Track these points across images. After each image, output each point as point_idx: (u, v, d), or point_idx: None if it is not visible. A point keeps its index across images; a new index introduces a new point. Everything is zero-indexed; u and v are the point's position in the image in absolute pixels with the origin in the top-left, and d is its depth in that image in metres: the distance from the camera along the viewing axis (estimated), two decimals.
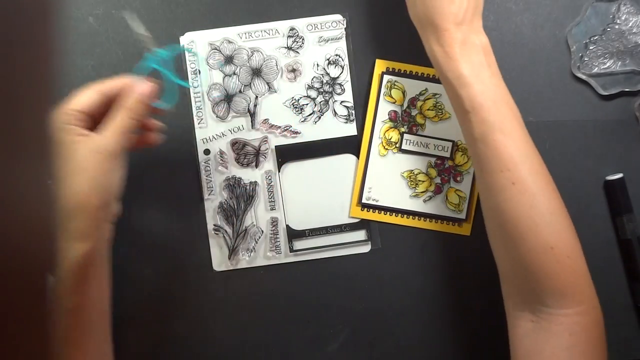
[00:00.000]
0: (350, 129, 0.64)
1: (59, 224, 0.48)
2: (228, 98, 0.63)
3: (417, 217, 0.64)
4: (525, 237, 0.49)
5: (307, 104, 0.63)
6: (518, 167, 0.50)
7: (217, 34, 0.63)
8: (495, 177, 0.50)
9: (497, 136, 0.50)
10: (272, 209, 0.63)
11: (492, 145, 0.50)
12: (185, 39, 0.63)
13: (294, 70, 0.63)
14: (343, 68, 0.63)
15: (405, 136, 0.63)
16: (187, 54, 0.62)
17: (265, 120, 0.63)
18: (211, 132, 0.63)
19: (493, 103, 0.51)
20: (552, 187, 0.52)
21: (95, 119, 0.52)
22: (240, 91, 0.63)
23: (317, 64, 0.63)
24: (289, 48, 0.63)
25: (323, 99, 0.63)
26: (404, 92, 0.63)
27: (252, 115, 0.63)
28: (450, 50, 0.51)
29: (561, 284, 0.49)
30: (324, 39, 0.63)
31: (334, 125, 0.63)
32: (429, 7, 0.52)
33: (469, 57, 0.51)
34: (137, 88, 0.52)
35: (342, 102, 0.64)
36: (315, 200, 0.63)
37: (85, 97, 0.51)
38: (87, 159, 0.49)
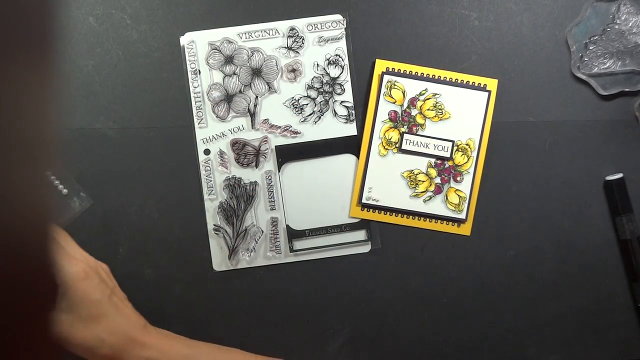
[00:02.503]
0: (350, 129, 0.64)
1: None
2: (228, 98, 0.63)
3: (417, 217, 0.64)
4: None
5: (307, 104, 0.63)
6: None
7: (217, 34, 0.63)
8: None
9: None
10: (272, 209, 0.63)
11: None
12: (185, 39, 0.63)
13: (294, 70, 0.63)
14: (343, 68, 0.63)
15: (405, 136, 0.63)
16: None
17: (265, 120, 0.63)
18: (211, 132, 0.63)
19: None
20: None
21: None
22: (240, 91, 0.63)
23: (317, 64, 0.63)
24: (289, 48, 0.63)
25: (323, 99, 0.63)
26: (404, 92, 0.63)
27: (252, 115, 0.63)
28: None
29: None
30: (324, 39, 0.63)
31: (334, 125, 0.63)
32: None
33: None
34: None
35: (342, 102, 0.64)
36: (315, 200, 0.63)
37: None
38: None
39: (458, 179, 0.64)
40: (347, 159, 0.64)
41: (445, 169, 0.64)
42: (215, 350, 0.56)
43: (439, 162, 0.63)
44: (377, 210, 0.63)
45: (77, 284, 0.50)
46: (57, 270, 0.50)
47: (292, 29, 0.63)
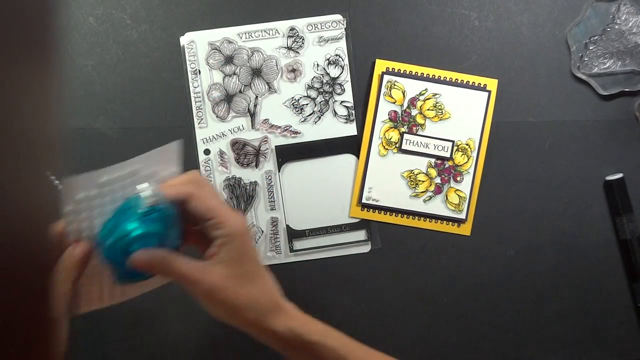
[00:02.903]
0: (350, 129, 0.64)
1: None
2: (228, 98, 0.63)
3: (417, 217, 0.64)
4: None
5: (307, 104, 0.63)
6: None
7: (217, 34, 0.63)
8: None
9: None
10: (272, 209, 0.63)
11: None
12: (185, 39, 0.63)
13: (294, 70, 0.63)
14: (343, 68, 0.63)
15: (405, 136, 0.63)
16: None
17: (265, 120, 0.63)
18: (211, 132, 0.63)
19: None
20: None
21: None
22: (240, 91, 0.63)
23: (317, 64, 0.63)
24: (289, 48, 0.63)
25: (323, 99, 0.63)
26: (404, 92, 0.63)
27: (252, 115, 0.63)
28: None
29: None
30: (324, 39, 0.63)
31: (334, 125, 0.63)
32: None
33: None
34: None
35: (342, 102, 0.64)
36: (315, 200, 0.63)
37: None
38: None
39: (458, 179, 0.64)
40: (347, 159, 0.64)
41: (445, 169, 0.64)
42: (340, 333, 0.50)
43: (439, 162, 0.63)
44: (377, 210, 0.63)
45: (240, 237, 0.43)
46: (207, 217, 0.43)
47: (292, 29, 0.63)
